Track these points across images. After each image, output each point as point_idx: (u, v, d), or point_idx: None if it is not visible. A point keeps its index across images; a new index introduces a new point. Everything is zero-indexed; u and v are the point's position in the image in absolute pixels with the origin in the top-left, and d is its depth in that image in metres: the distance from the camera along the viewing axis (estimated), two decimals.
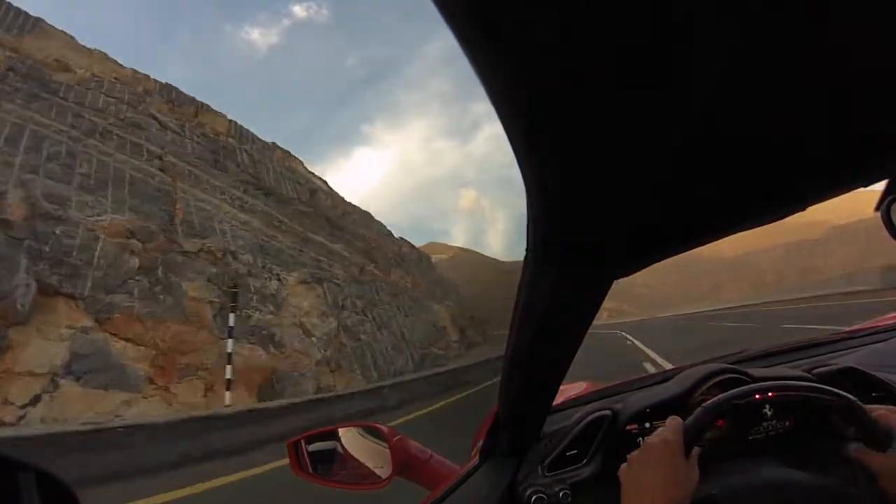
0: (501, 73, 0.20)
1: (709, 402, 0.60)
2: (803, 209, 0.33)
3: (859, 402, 0.60)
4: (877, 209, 0.79)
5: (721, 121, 0.24)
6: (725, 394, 0.62)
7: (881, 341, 0.93)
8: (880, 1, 0.19)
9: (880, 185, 0.78)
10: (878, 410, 0.59)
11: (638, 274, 0.42)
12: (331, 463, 0.90)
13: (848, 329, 1.14)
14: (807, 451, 0.63)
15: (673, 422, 0.58)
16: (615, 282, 0.44)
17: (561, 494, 0.68)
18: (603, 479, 0.71)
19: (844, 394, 0.62)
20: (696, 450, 0.56)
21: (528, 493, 0.69)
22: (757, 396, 0.61)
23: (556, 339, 0.55)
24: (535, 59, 0.19)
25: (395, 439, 0.85)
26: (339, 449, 0.90)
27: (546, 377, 0.64)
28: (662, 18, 0.18)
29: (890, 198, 0.78)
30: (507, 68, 0.20)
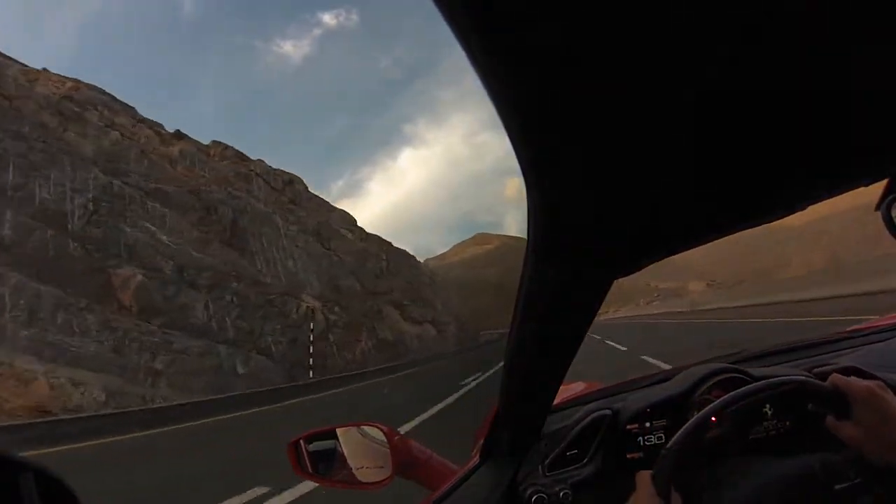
0: (501, 72, 0.20)
1: (684, 428, 0.60)
2: (803, 209, 0.33)
3: (811, 378, 0.61)
4: (877, 209, 0.79)
5: (721, 120, 0.24)
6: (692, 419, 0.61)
7: (881, 341, 0.93)
8: (879, 1, 0.19)
9: (880, 185, 0.78)
10: (833, 378, 0.60)
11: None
12: (331, 463, 0.90)
13: (848, 329, 1.14)
14: (806, 449, 0.63)
15: (640, 479, 0.58)
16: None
17: (561, 494, 0.68)
18: (603, 479, 0.71)
19: (795, 376, 0.63)
20: (675, 496, 0.56)
21: (528, 492, 0.69)
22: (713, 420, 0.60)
23: (556, 339, 0.55)
24: (534, 59, 0.19)
25: (395, 439, 0.85)
26: (339, 449, 0.90)
27: (546, 377, 0.64)
28: (661, 19, 0.18)
29: (890, 197, 0.78)
30: (507, 67, 0.20)
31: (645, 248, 0.39)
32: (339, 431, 0.91)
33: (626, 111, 0.23)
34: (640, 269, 0.41)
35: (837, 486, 0.55)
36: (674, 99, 0.22)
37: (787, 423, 0.67)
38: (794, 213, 0.33)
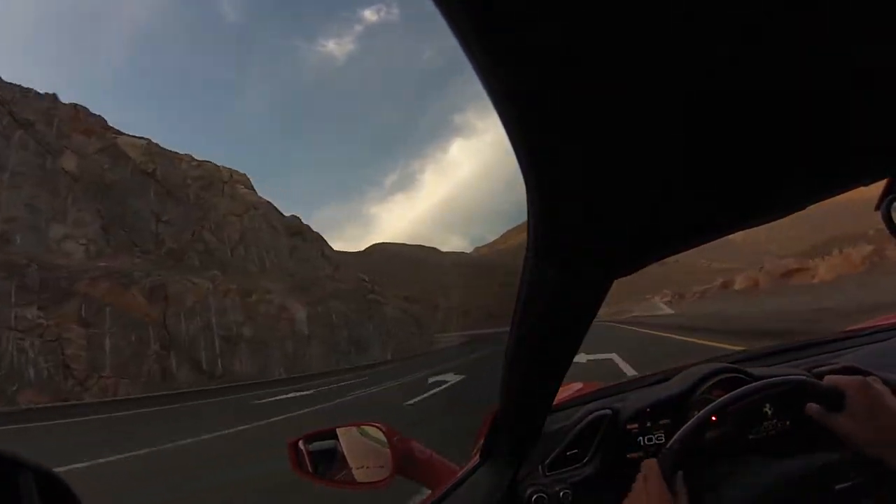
0: (501, 73, 0.20)
1: (689, 422, 0.60)
2: (803, 209, 0.33)
3: (809, 377, 0.62)
4: (877, 208, 0.79)
5: (721, 120, 0.24)
6: (697, 414, 0.62)
7: (881, 341, 0.93)
8: (880, 4, 0.19)
9: (880, 185, 0.78)
10: (830, 378, 0.61)
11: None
12: (331, 463, 0.90)
13: (848, 328, 1.14)
14: (806, 450, 0.63)
15: (646, 465, 0.59)
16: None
17: (561, 494, 0.68)
18: (603, 479, 0.71)
19: (794, 376, 0.64)
20: (679, 474, 0.57)
21: (528, 492, 0.69)
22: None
23: (556, 339, 0.55)
24: (534, 59, 0.19)
25: (395, 439, 0.85)
26: (339, 449, 0.90)
27: (546, 376, 0.64)
28: (661, 19, 0.18)
29: (890, 197, 0.77)
30: (507, 68, 0.20)
31: (645, 248, 0.39)
32: (339, 431, 0.91)
33: (626, 111, 0.23)
34: (639, 269, 0.42)
35: (838, 487, 0.55)
36: (674, 99, 0.22)
37: (787, 423, 0.67)
38: (793, 212, 0.33)
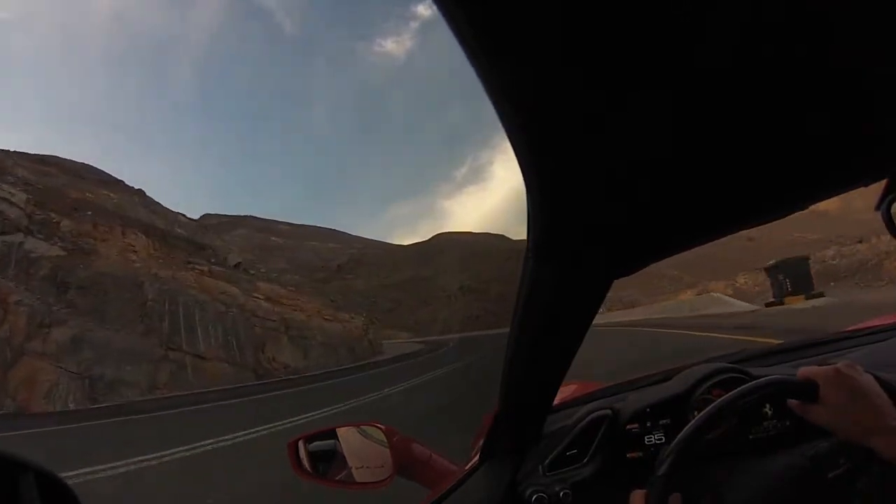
0: (501, 74, 0.20)
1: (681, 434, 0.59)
2: (804, 209, 0.33)
3: (787, 376, 0.61)
4: (877, 208, 0.79)
5: (721, 121, 0.24)
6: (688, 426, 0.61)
7: (881, 341, 0.93)
8: (879, 5, 0.19)
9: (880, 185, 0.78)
10: (802, 370, 0.60)
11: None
12: (331, 463, 0.90)
13: (848, 329, 1.14)
14: (806, 449, 0.63)
15: (634, 498, 0.58)
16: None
17: (561, 494, 0.68)
18: (603, 479, 0.71)
19: (774, 377, 0.63)
20: (674, 496, 0.56)
21: (528, 492, 0.69)
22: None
23: (557, 339, 0.55)
24: (534, 59, 0.19)
25: (395, 439, 0.85)
26: (339, 449, 0.90)
27: (546, 376, 0.64)
28: (662, 20, 0.18)
29: (890, 197, 0.77)
30: (507, 68, 0.20)
31: (645, 248, 0.39)
32: (339, 431, 0.91)
33: (626, 112, 0.23)
34: (639, 269, 0.42)
35: (831, 475, 0.56)
36: (674, 100, 0.22)
37: (787, 423, 0.67)
38: (794, 212, 0.33)
